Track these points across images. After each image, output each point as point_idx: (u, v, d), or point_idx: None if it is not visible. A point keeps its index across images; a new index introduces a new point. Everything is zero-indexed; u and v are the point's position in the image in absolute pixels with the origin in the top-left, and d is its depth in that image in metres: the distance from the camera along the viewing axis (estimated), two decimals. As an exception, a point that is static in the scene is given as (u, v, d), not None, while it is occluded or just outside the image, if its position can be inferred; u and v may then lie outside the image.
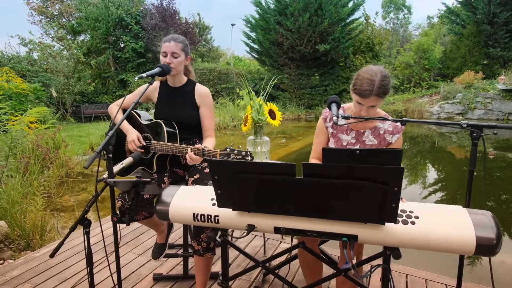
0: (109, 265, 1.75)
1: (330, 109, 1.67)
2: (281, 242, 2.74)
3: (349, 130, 1.77)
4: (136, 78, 1.72)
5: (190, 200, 1.52)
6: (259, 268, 2.34)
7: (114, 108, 2.13)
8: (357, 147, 1.74)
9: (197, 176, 2.04)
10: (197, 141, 2.10)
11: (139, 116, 2.15)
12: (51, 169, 5.15)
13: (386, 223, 1.26)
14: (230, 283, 2.20)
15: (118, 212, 1.87)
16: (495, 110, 13.60)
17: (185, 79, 2.09)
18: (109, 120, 12.33)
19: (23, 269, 2.36)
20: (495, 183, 5.91)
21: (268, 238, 2.75)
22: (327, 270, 2.15)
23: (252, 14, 16.77)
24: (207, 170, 2.08)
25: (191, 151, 1.77)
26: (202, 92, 2.07)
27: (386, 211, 1.21)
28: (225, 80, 16.13)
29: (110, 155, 1.55)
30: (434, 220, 1.26)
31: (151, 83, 1.79)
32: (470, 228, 1.21)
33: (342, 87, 16.35)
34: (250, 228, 1.42)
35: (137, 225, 3.02)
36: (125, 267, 2.38)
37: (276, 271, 2.26)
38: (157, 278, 2.24)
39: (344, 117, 1.57)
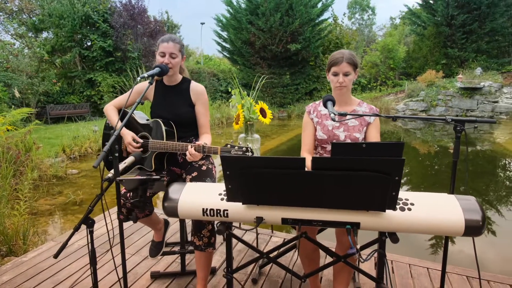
0: (115, 265, 1.76)
1: (326, 107, 1.78)
2: (271, 236, 2.84)
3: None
4: (139, 78, 1.74)
5: (198, 196, 1.57)
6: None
7: (110, 109, 2.13)
8: (341, 129, 1.92)
9: (195, 174, 2.09)
10: (193, 139, 2.15)
11: (134, 115, 2.17)
12: (24, 173, 4.95)
13: (387, 210, 1.38)
14: (228, 277, 2.27)
15: (122, 211, 1.89)
16: (454, 107, 14.45)
17: (180, 77, 2.13)
18: (80, 121, 11.91)
19: (13, 274, 2.30)
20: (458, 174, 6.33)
21: (259, 233, 2.84)
22: (322, 260, 2.27)
23: (223, 13, 16.79)
24: (204, 168, 2.13)
25: (192, 148, 1.82)
26: (197, 89, 2.12)
27: (387, 199, 1.33)
28: (197, 80, 16.01)
29: (116, 154, 1.58)
30: (427, 206, 1.40)
31: (151, 83, 1.82)
32: (460, 212, 1.36)
33: (313, 85, 16.72)
34: (259, 220, 1.50)
35: (126, 225, 3.01)
36: (120, 267, 2.38)
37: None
38: (155, 275, 2.26)
39: (340, 114, 1.69)
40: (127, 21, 14.23)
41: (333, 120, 1.65)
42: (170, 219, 2.84)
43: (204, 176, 2.08)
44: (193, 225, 1.94)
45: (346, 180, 1.30)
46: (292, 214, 1.46)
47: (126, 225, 2.99)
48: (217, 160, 1.89)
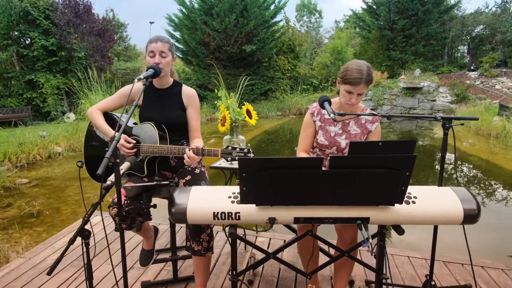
0: (115, 278, 1.66)
1: (323, 107, 1.83)
2: (257, 236, 2.85)
3: (336, 122, 1.94)
4: (136, 80, 1.66)
5: (207, 200, 1.54)
6: (247, 262, 2.42)
7: (96, 113, 2.00)
8: (343, 137, 1.94)
9: (188, 177, 2.04)
10: (185, 142, 2.10)
11: (122, 118, 2.06)
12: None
13: (395, 205, 1.46)
14: (222, 279, 2.24)
15: (116, 220, 1.79)
16: (399, 106, 15.51)
17: (171, 80, 2.07)
18: (23, 125, 10.91)
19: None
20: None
21: (245, 234, 2.83)
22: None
23: (175, 13, 16.41)
24: (197, 171, 2.09)
25: (190, 151, 1.78)
26: (189, 93, 2.07)
27: (397, 193, 1.41)
28: (149, 80, 15.48)
29: (118, 160, 1.49)
30: (429, 199, 1.50)
31: (146, 85, 1.74)
32: (458, 203, 1.48)
33: (268, 86, 16.96)
34: (272, 221, 1.50)
35: (101, 236, 2.84)
36: (105, 279, 2.25)
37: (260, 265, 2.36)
38: (146, 285, 2.17)
39: (340, 114, 1.75)
40: (72, 18, 13.36)
41: (334, 120, 1.71)
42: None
43: (199, 179, 2.04)
44: (190, 230, 1.89)
45: (360, 178, 1.36)
46: (304, 213, 1.49)
47: (100, 235, 2.82)
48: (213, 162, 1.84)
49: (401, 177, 1.35)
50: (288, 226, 2.26)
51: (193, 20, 15.31)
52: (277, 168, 1.36)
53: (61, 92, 13.03)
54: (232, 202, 1.53)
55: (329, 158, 1.34)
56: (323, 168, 1.35)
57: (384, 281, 1.71)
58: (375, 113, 1.80)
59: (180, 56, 17.10)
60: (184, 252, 2.51)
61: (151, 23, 26.34)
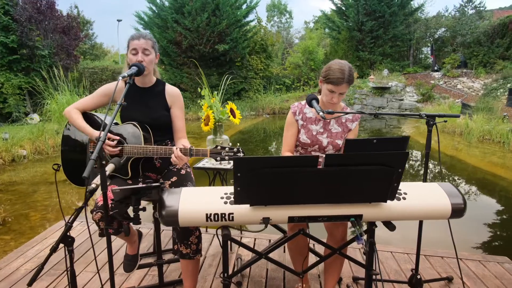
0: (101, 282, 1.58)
1: (311, 106, 1.84)
2: (241, 237, 2.82)
3: (317, 121, 1.98)
4: (120, 78, 1.59)
5: (199, 202, 1.50)
6: (233, 263, 2.39)
7: (74, 112, 1.90)
8: (325, 135, 1.97)
9: (174, 178, 1.99)
10: (169, 142, 2.04)
11: (102, 118, 1.97)
12: None
13: (387, 201, 1.48)
14: (209, 282, 2.20)
15: (100, 224, 1.71)
16: (368, 105, 15.97)
17: (154, 79, 2.00)
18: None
19: None
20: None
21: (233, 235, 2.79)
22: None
23: (145, 11, 16.01)
24: (183, 172, 2.03)
25: (177, 150, 1.73)
26: (173, 92, 2.02)
27: (390, 190, 1.43)
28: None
29: (104, 162, 1.42)
30: (418, 195, 1.54)
31: (130, 83, 1.68)
32: (446, 198, 1.53)
33: (241, 86, 16.91)
34: (266, 220, 1.48)
35: (78, 241, 2.71)
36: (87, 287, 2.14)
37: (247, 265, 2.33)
38: (130, 292, 2.08)
39: (328, 113, 1.75)
40: (34, 14, 12.68)
41: (323, 118, 1.71)
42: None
43: (185, 180, 1.98)
44: (178, 233, 1.83)
45: (355, 175, 1.37)
46: (298, 212, 1.48)
47: (77, 241, 2.69)
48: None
49: (394, 174, 1.37)
50: (276, 226, 2.24)
51: (164, 18, 14.98)
52: (273, 167, 1.34)
53: (23, 92, 12.32)
54: (225, 203, 1.49)
55: (324, 156, 1.33)
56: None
57: (374, 277, 1.74)
58: (364, 112, 1.82)
59: (151, 55, 16.67)
60: (168, 256, 2.44)
61: (119, 21, 25.60)
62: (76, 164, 2.00)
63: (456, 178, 6.19)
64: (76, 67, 14.37)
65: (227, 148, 1.74)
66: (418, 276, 1.93)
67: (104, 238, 2.56)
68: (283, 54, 23.53)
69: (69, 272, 1.53)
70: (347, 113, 1.83)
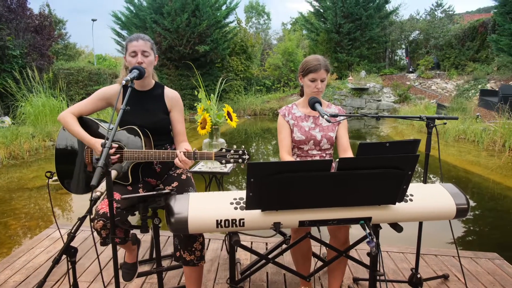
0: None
1: (314, 109, 1.86)
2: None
3: (307, 117, 2.05)
4: (124, 82, 1.53)
5: (208, 208, 1.47)
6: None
7: (70, 117, 1.82)
8: (317, 129, 2.02)
9: (175, 184, 1.94)
10: (168, 146, 1.99)
11: (100, 123, 1.90)
12: None
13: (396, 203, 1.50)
14: (212, 287, 2.16)
15: (102, 233, 1.64)
16: (348, 106, 16.25)
17: (153, 82, 1.95)
18: None
19: None
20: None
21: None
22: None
23: (121, 10, 15.64)
24: (184, 177, 2.00)
25: (181, 154, 1.69)
26: (173, 95, 1.97)
27: (399, 192, 1.45)
28: (97, 81, 14.60)
29: (110, 169, 1.37)
30: (424, 196, 1.57)
31: (132, 87, 1.62)
32: (450, 198, 1.56)
33: (221, 87, 16.85)
34: (277, 225, 1.47)
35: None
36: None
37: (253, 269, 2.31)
38: (129, 302, 2.02)
39: (332, 116, 1.77)
40: (4, 13, 12.14)
41: (328, 121, 1.73)
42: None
43: (186, 185, 1.94)
44: (181, 240, 1.78)
45: (367, 178, 1.38)
46: (308, 216, 1.48)
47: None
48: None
49: (404, 176, 1.39)
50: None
51: (142, 18, 14.70)
52: (288, 172, 1.33)
53: (-6, 94, 11.77)
54: (235, 208, 1.47)
55: (337, 160, 1.34)
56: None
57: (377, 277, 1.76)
58: (367, 114, 1.84)
59: (129, 55, 16.32)
60: (165, 262, 2.39)
61: (94, 20, 24.90)
62: (70, 171, 1.92)
63: (431, 176, 6.38)
64: (51, 68, 13.87)
65: (232, 151, 1.72)
66: (418, 275, 1.97)
67: (103, 246, 2.48)
68: (262, 55, 23.62)
69: (72, 285, 1.47)
70: (350, 116, 1.85)
